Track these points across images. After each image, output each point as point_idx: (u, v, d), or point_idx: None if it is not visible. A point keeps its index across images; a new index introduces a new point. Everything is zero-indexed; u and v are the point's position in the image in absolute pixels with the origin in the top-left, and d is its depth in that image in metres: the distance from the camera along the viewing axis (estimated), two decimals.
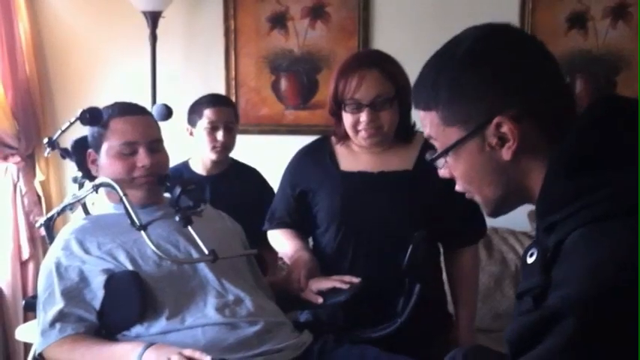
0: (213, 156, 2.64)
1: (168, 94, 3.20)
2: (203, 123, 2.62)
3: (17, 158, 3.36)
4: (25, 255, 3.37)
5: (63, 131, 1.97)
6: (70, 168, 3.47)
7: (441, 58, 1.07)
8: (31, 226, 3.38)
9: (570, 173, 0.96)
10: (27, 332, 2.92)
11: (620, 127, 0.98)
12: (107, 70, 3.49)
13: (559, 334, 0.88)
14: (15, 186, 3.39)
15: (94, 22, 3.48)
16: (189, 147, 2.76)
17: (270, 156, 3.48)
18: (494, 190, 1.07)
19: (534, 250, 0.98)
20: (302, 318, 2.10)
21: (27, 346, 3.30)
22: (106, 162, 1.90)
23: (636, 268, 0.85)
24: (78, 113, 1.87)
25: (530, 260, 0.98)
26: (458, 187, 1.12)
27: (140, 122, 1.92)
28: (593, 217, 0.92)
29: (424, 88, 1.08)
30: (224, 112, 2.66)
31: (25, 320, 3.28)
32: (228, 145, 2.66)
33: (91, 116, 1.87)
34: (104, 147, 1.90)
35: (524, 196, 1.07)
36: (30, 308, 2.00)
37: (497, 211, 1.11)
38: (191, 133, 2.68)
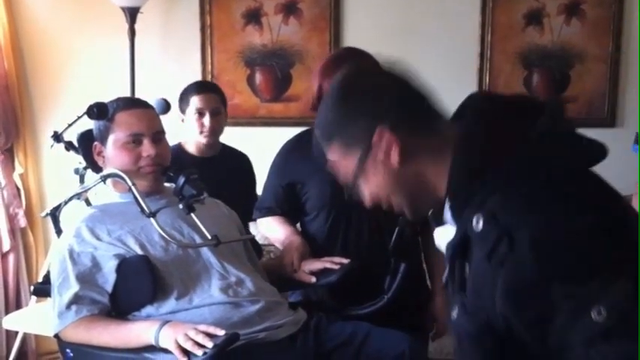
0: (203, 140, 2.77)
1: (147, 89, 3.27)
2: (191, 110, 2.76)
3: None
4: (6, 247, 3.39)
5: (70, 125, 2.06)
6: (47, 161, 3.55)
7: (325, 99, 1.25)
8: (11, 219, 3.42)
9: (472, 175, 1.09)
10: (13, 322, 2.99)
11: (501, 121, 1.11)
12: (86, 65, 3.53)
13: None
14: None
15: (73, 17, 3.51)
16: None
17: (245, 147, 3.59)
18: (400, 197, 1.19)
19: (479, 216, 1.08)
20: (292, 298, 2.25)
21: (9, 336, 3.36)
22: (113, 153, 1.98)
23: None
24: (85, 108, 1.96)
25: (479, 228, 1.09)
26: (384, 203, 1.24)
27: (144, 115, 2.01)
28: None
29: (320, 126, 1.24)
30: (210, 99, 2.78)
31: (7, 311, 3.34)
32: (215, 129, 2.78)
33: (99, 111, 1.96)
34: (110, 139, 1.98)
35: (430, 192, 1.18)
36: (39, 293, 2.10)
37: (416, 214, 1.23)
38: (182, 120, 2.80)
